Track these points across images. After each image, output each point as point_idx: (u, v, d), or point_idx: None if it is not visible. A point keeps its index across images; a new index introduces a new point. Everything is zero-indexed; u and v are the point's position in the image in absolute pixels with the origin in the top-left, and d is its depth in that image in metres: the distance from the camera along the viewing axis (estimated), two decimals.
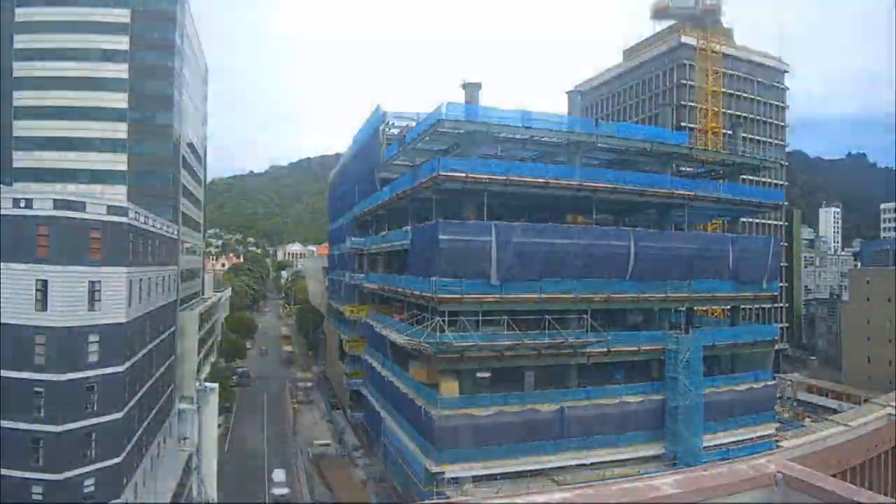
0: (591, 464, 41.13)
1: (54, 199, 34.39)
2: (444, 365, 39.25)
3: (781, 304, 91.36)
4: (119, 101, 64.55)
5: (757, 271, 48.29)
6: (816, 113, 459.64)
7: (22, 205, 33.82)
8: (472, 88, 44.39)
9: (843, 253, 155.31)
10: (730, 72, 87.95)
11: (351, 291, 66.20)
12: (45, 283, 33.30)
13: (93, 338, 34.94)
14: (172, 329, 56.30)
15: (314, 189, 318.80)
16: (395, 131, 53.85)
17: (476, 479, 38.63)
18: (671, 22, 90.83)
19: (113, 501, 35.63)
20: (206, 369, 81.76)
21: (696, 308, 53.60)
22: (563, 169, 41.67)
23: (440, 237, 37.76)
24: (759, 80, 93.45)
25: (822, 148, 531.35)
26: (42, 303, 33.32)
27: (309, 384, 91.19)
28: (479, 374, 41.05)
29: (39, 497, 32.87)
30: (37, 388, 33.15)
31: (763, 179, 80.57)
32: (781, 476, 6.96)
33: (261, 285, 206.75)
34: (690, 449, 42.18)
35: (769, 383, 50.84)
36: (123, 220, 37.29)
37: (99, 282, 35.29)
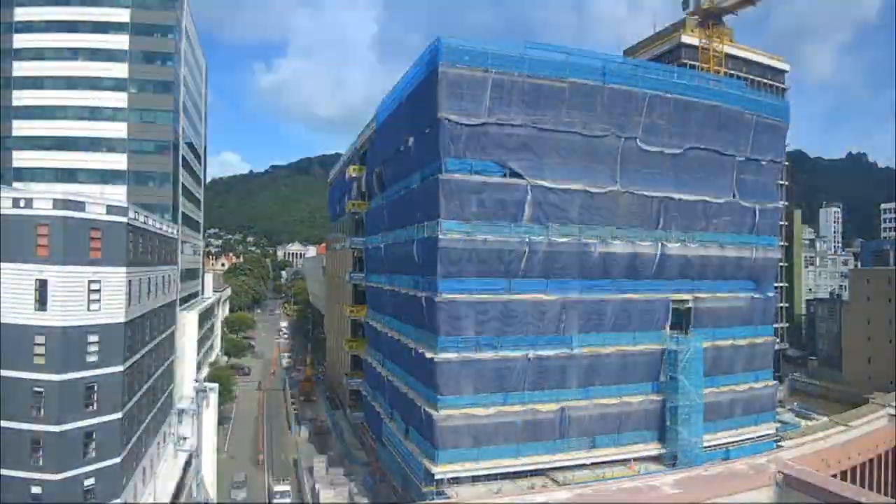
0: (592, 464, 41.13)
1: (54, 199, 34.31)
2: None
3: (781, 304, 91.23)
4: (119, 101, 64.52)
5: None
6: (817, 113, 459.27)
7: (22, 205, 33.75)
8: None
9: (843, 253, 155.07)
10: (730, 72, 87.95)
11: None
12: (44, 283, 33.24)
13: (92, 338, 34.87)
14: (172, 329, 56.23)
15: (314, 189, 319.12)
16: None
17: (476, 479, 38.65)
18: (673, 21, 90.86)
19: (112, 501, 35.60)
20: (206, 369, 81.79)
21: None
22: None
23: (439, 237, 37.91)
24: (760, 79, 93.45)
25: (822, 148, 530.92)
26: (42, 303, 33.26)
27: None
28: None
29: (39, 497, 32.85)
30: (36, 388, 33.08)
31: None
32: (781, 476, 6.95)
33: (261, 285, 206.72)
34: (690, 449, 42.18)
35: (769, 383, 50.85)
36: (123, 219, 37.22)
37: (99, 282, 35.23)
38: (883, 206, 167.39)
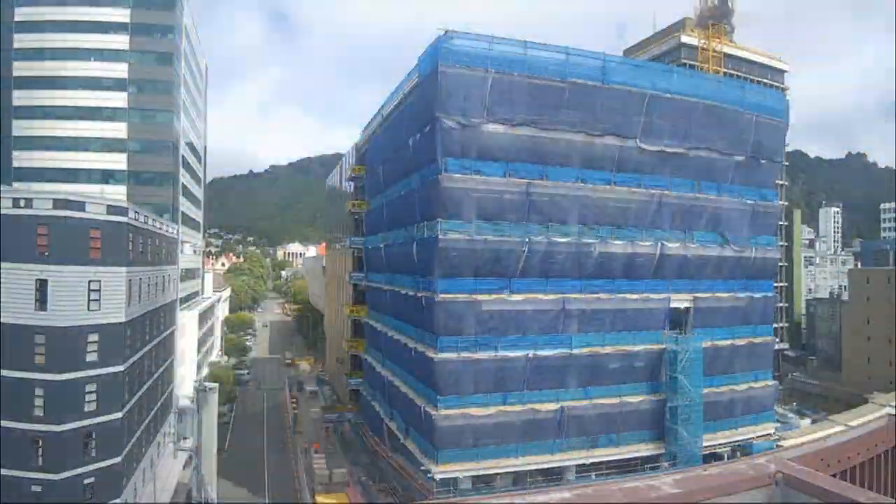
0: (592, 464, 41.13)
1: (54, 199, 34.35)
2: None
3: (781, 304, 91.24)
4: (119, 101, 64.60)
5: None
6: (816, 113, 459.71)
7: (22, 205, 33.79)
8: None
9: (843, 253, 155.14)
10: (730, 72, 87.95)
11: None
12: (44, 282, 33.27)
13: (92, 337, 34.90)
14: (172, 329, 56.30)
15: (314, 189, 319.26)
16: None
17: (476, 479, 38.64)
18: (672, 21, 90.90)
19: (112, 501, 35.62)
20: (206, 369, 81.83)
21: None
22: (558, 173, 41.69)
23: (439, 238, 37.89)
24: (759, 79, 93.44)
25: (822, 148, 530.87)
26: (42, 303, 33.29)
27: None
28: None
29: (39, 497, 32.86)
30: (37, 388, 33.13)
31: None
32: (781, 476, 6.96)
33: (260, 285, 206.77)
34: (690, 449, 42.19)
35: (769, 383, 50.83)
36: (123, 219, 37.26)
37: (99, 281, 35.26)
38: (883, 206, 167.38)
